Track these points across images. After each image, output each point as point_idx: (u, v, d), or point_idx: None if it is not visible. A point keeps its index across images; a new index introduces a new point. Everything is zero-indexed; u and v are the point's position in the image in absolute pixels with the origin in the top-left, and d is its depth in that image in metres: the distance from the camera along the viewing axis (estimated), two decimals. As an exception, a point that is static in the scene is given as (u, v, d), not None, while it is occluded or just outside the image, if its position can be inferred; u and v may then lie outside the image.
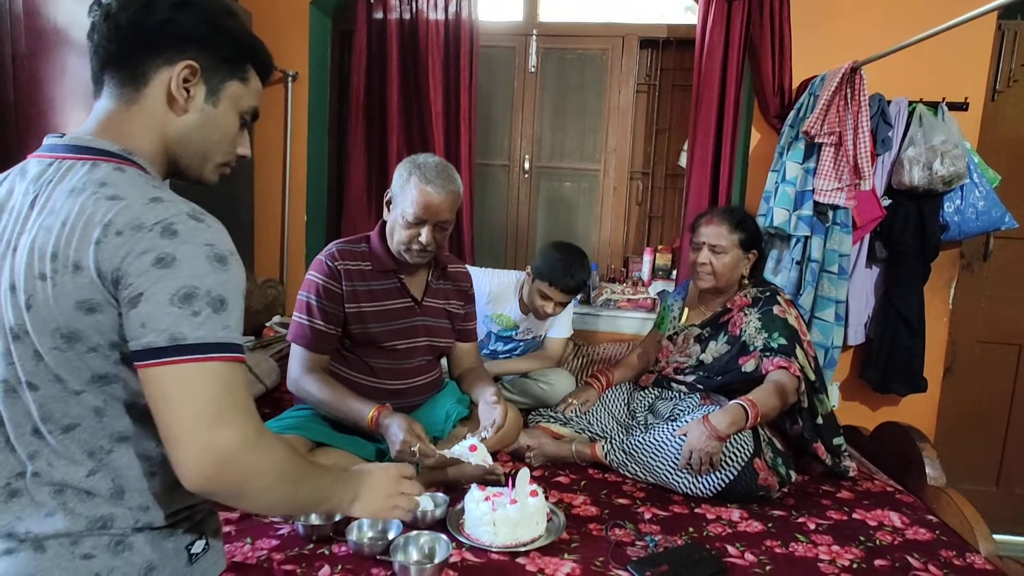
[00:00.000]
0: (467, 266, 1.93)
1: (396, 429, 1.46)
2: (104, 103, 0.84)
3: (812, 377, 1.78)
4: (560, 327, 2.34)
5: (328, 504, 0.97)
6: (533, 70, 2.83)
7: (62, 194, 0.76)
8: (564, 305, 2.15)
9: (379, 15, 2.62)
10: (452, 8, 2.57)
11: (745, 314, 1.86)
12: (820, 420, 1.79)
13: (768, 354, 1.76)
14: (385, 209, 1.65)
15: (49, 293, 0.73)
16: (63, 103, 2.16)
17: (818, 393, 1.79)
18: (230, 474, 0.75)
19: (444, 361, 1.92)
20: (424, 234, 1.56)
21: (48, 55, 2.13)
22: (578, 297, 2.29)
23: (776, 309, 1.82)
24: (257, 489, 0.79)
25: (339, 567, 1.24)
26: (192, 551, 0.85)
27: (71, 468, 0.78)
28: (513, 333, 2.30)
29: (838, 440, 1.82)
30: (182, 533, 0.84)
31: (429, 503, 1.44)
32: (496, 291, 2.24)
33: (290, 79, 2.68)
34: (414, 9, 2.59)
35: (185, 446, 0.73)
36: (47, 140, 0.84)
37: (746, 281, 1.94)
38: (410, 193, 1.54)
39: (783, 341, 1.76)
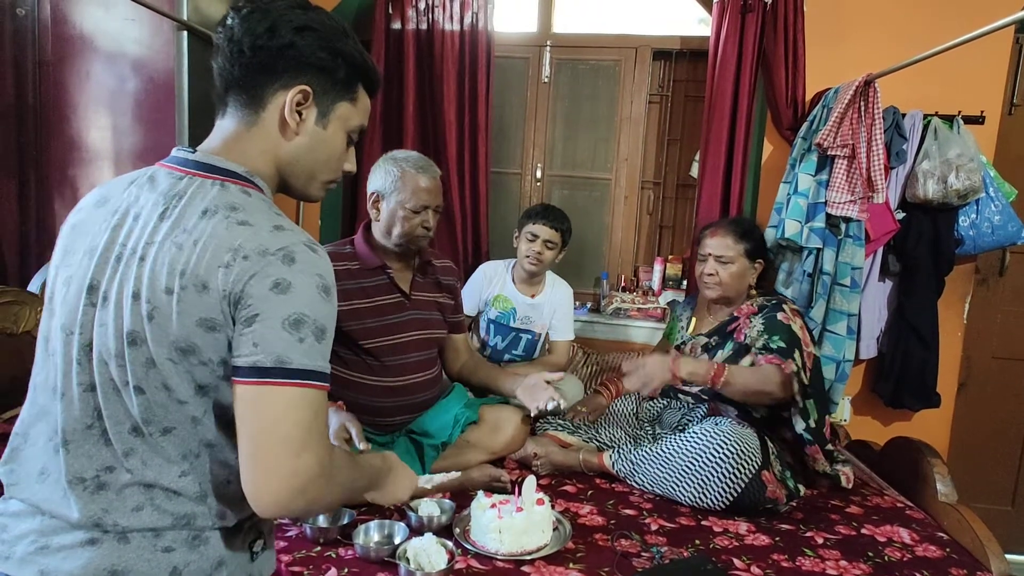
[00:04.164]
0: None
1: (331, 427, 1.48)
2: (227, 123, 0.88)
3: (806, 381, 1.75)
4: (563, 329, 2.38)
5: (365, 496, 1.03)
6: (547, 80, 2.85)
7: (194, 213, 0.79)
8: (551, 246, 2.24)
9: (396, 25, 2.65)
10: (468, 19, 2.60)
11: (750, 321, 1.85)
12: (812, 424, 1.75)
13: (763, 352, 1.74)
14: (372, 209, 1.70)
15: (173, 308, 0.76)
16: (86, 109, 2.21)
17: (809, 398, 1.76)
18: (301, 501, 0.77)
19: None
20: (429, 218, 1.69)
21: (73, 61, 2.18)
22: (563, 249, 2.31)
23: (780, 316, 1.80)
24: (322, 507, 0.85)
25: (345, 570, 1.25)
26: (254, 549, 0.89)
27: (165, 468, 0.80)
28: (511, 320, 2.34)
29: (829, 447, 1.81)
30: (247, 532, 0.88)
31: (435, 509, 1.45)
32: (491, 272, 2.38)
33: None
34: (431, 20, 2.62)
35: (268, 467, 0.75)
36: (177, 152, 0.86)
37: (754, 291, 1.94)
38: (408, 184, 1.65)
39: (782, 344, 1.74)
